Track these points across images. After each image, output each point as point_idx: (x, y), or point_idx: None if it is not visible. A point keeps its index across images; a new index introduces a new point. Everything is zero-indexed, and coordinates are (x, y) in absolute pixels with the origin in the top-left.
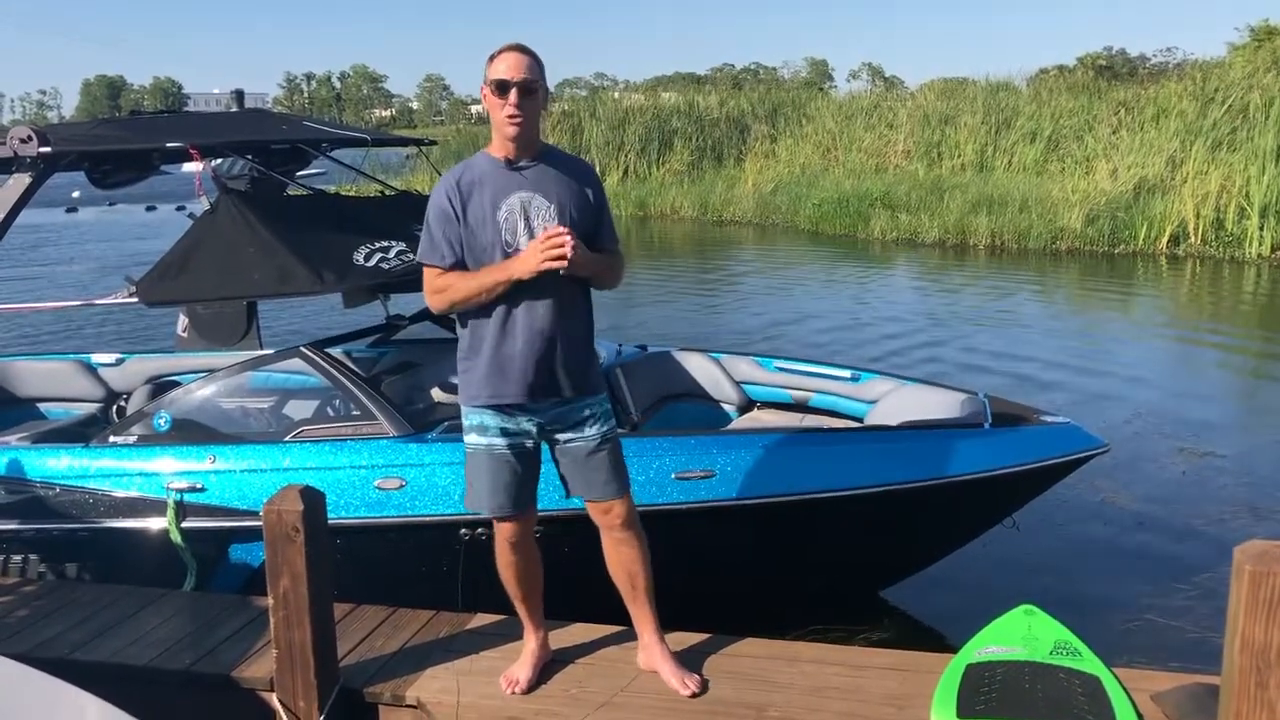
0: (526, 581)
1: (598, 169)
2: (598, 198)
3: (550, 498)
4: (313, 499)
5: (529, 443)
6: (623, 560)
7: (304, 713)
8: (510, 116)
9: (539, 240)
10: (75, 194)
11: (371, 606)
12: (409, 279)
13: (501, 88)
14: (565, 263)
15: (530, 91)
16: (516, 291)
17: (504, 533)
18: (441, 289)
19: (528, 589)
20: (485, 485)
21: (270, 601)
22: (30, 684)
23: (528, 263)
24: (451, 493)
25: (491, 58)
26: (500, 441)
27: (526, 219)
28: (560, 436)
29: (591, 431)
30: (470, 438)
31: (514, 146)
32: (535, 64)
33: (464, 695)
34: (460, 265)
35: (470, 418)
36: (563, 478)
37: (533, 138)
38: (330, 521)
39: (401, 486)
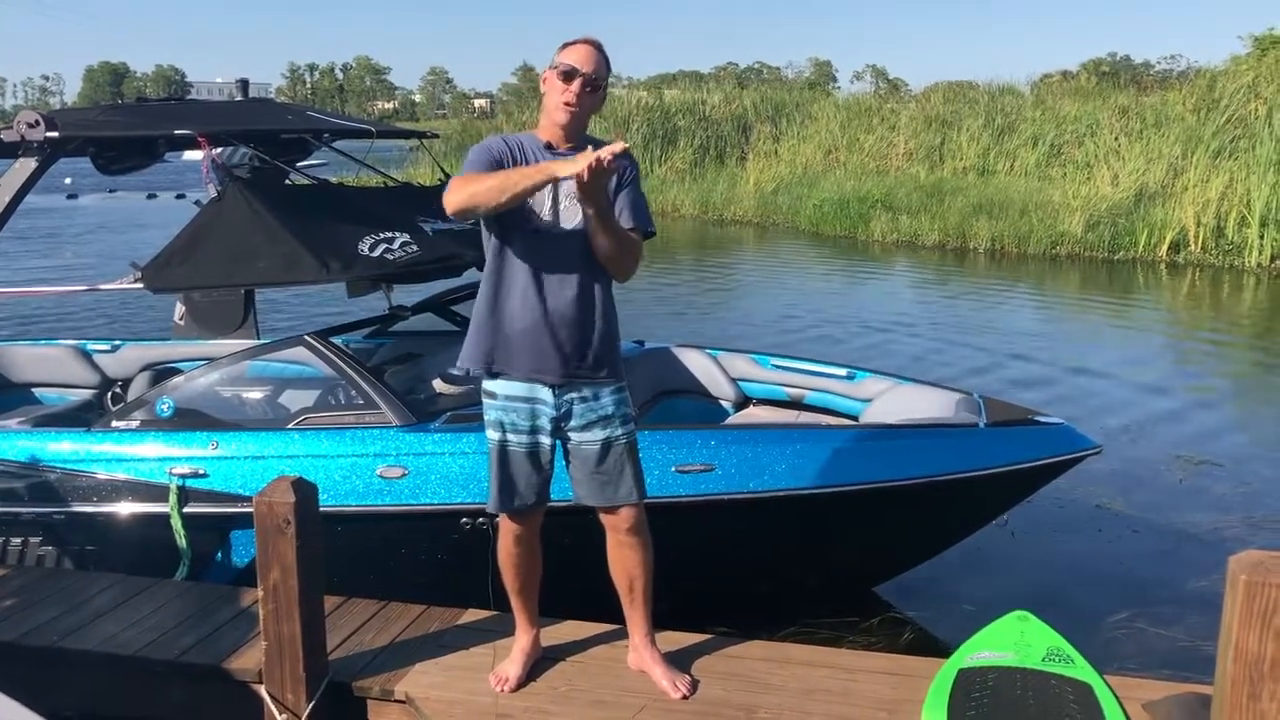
0: (524, 576)
1: None
2: (623, 183)
3: (553, 490)
4: (305, 491)
5: (544, 440)
6: (625, 564)
7: (292, 705)
8: (567, 103)
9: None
10: (68, 180)
11: (362, 600)
12: (413, 270)
13: (568, 75)
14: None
15: (594, 87)
16: (535, 261)
17: (508, 527)
18: (466, 182)
19: (524, 584)
20: (494, 480)
21: (260, 594)
22: None
23: (571, 165)
24: (454, 482)
25: (565, 45)
26: (512, 438)
27: (555, 197)
28: (575, 437)
29: (606, 434)
30: (487, 432)
31: (561, 134)
32: (605, 65)
33: (453, 691)
34: None
35: (487, 411)
36: (573, 480)
37: (579, 130)
38: (332, 509)
39: (404, 475)
